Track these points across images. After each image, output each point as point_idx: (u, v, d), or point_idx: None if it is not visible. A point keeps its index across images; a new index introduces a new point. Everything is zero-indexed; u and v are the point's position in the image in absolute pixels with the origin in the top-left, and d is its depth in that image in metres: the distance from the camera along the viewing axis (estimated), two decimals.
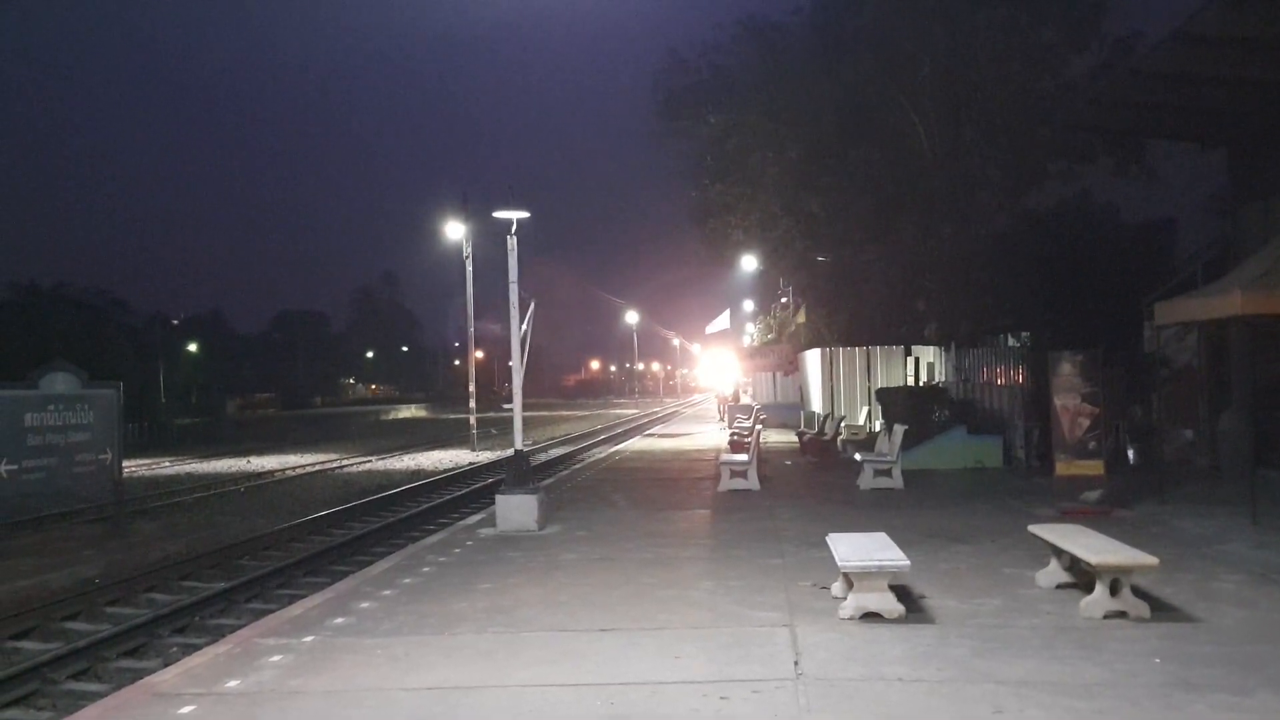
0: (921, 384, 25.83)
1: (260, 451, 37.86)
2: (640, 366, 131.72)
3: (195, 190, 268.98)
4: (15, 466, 13.93)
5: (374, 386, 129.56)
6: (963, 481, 16.60)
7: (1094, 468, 13.60)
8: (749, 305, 60.40)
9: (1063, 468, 13.74)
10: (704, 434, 33.87)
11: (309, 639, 7.39)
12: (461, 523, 14.11)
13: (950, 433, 18.93)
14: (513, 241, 13.25)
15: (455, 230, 36.15)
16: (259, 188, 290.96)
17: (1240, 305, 11.07)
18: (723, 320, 57.80)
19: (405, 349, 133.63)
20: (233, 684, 6.34)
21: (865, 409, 27.78)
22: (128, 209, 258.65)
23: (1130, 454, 17.12)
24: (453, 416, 63.15)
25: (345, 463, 31.32)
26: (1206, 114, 15.51)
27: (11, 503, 14.43)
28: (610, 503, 15.18)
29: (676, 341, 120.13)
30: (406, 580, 9.51)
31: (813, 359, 32.68)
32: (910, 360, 27.85)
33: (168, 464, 32.81)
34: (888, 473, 15.82)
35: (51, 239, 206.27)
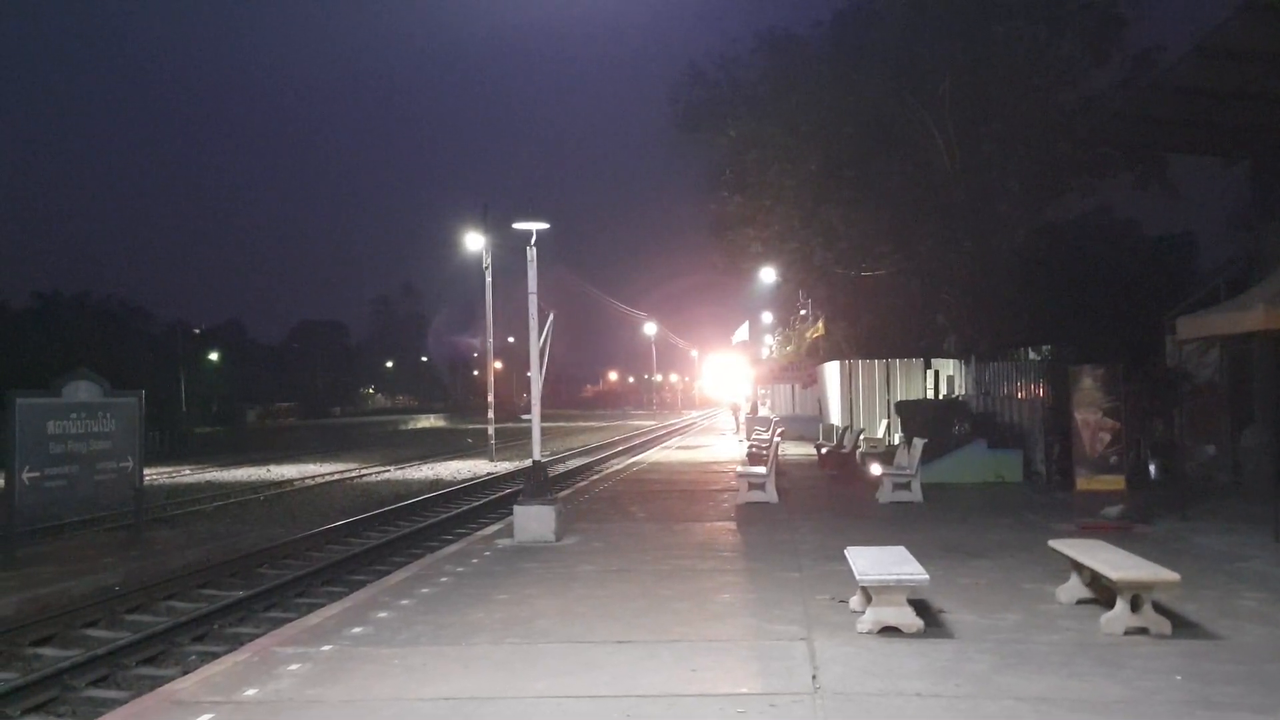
0: (941, 397, 25.71)
1: (280, 460, 38.04)
2: (659, 378, 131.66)
3: (216, 200, 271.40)
4: (37, 474, 13.99)
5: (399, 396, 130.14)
6: (982, 496, 16.50)
7: (1115, 483, 13.49)
8: (767, 317, 60.36)
9: (1083, 483, 13.63)
10: (720, 446, 33.92)
11: (327, 648, 7.43)
12: (479, 533, 14.16)
13: (970, 447, 18.83)
14: (532, 253, 13.30)
15: (475, 241, 36.32)
16: (280, 198, 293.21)
17: (1263, 320, 10.99)
18: (742, 332, 57.83)
19: (425, 359, 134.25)
20: (251, 692, 6.38)
21: (884, 422, 27.70)
22: (150, 219, 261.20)
23: (1152, 469, 16.97)
24: (471, 426, 63.24)
25: (364, 472, 31.44)
26: (1229, 128, 15.40)
27: (33, 510, 14.51)
28: (628, 514, 15.18)
29: (694, 353, 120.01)
30: (424, 590, 9.54)
31: (831, 371, 32.64)
32: (930, 373, 27.74)
33: (188, 472, 33.02)
34: (907, 486, 15.77)
35: (74, 248, 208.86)
